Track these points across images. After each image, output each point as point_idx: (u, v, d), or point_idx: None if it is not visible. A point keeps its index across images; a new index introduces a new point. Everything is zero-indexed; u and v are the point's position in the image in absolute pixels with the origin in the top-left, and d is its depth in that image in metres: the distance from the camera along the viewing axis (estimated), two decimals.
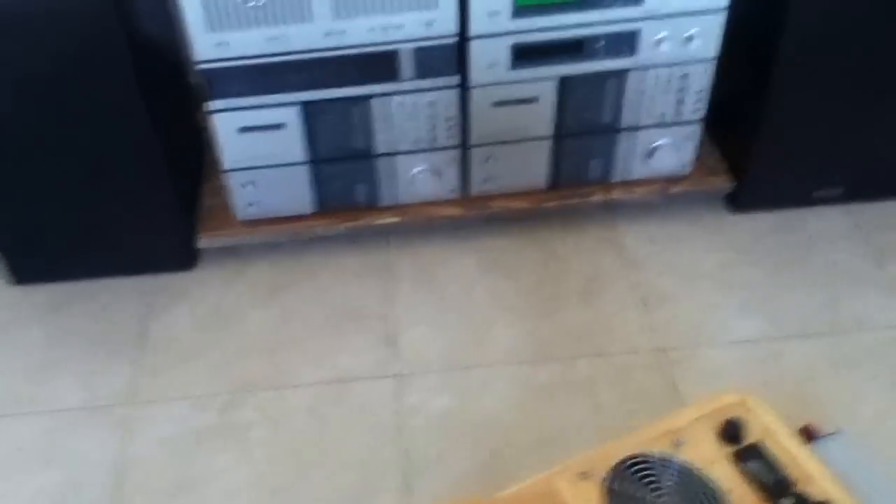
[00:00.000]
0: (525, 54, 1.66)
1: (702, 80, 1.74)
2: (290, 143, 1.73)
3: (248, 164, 1.76)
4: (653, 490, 0.97)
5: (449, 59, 1.65)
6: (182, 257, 1.87)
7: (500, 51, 1.65)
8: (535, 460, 1.51)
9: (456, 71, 1.67)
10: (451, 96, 1.70)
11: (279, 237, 1.86)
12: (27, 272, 1.85)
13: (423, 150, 1.77)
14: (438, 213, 1.85)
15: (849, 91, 1.73)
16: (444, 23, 1.59)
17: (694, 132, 1.83)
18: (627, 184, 1.88)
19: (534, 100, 1.72)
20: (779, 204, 1.94)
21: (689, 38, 1.67)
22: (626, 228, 1.92)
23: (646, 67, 1.70)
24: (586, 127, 1.79)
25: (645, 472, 0.99)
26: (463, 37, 1.62)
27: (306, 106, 1.68)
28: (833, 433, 1.17)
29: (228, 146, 1.73)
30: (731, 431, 1.03)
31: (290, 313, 1.79)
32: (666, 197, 1.90)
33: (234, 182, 1.79)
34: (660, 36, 1.66)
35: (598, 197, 1.87)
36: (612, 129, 1.80)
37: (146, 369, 1.70)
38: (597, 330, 1.72)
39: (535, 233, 1.92)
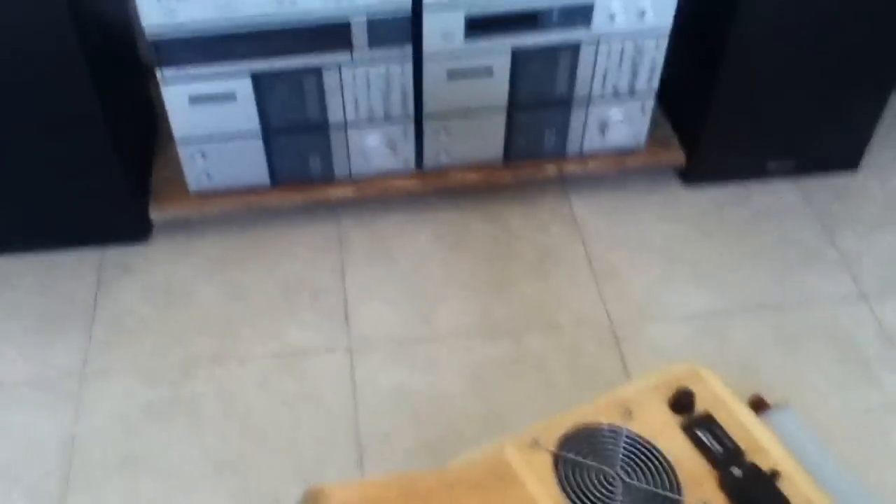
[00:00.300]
0: (479, 25, 1.64)
1: (655, 53, 1.75)
2: (242, 113, 1.70)
3: (200, 134, 1.73)
4: (603, 460, 0.98)
5: (403, 29, 1.63)
6: (134, 229, 1.83)
7: (454, 21, 1.63)
8: (487, 434, 1.52)
9: (410, 41, 1.65)
10: (405, 67, 1.68)
11: (232, 210, 1.84)
12: None
13: (378, 123, 1.76)
14: (393, 186, 1.84)
15: (799, 66, 1.75)
16: None
17: (647, 106, 1.83)
18: (582, 158, 1.89)
19: (488, 71, 1.72)
20: (731, 177, 1.96)
21: (643, 12, 1.67)
22: (579, 202, 1.92)
23: (599, 40, 1.70)
24: (540, 100, 1.79)
25: (595, 442, 0.99)
26: (417, 7, 1.60)
27: (258, 76, 1.65)
28: (781, 405, 1.19)
29: (179, 116, 1.69)
30: (682, 401, 1.04)
31: (242, 287, 1.77)
32: (620, 171, 1.91)
33: (185, 153, 1.76)
34: (613, 9, 1.66)
35: (552, 171, 1.87)
36: (567, 103, 1.80)
37: (96, 343, 1.67)
38: (548, 304, 1.73)
39: (489, 207, 1.92)
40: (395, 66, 1.68)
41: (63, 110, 1.60)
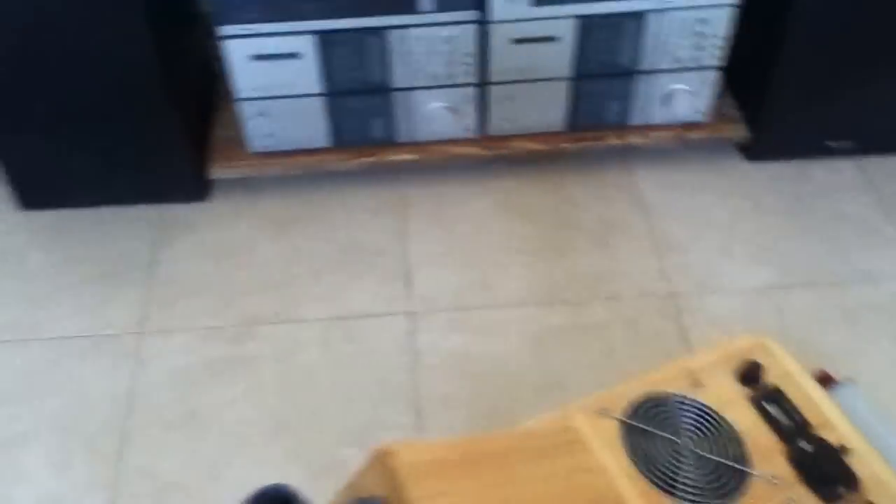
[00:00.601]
0: None
1: (721, 25, 1.71)
2: (305, 73, 1.70)
3: (262, 93, 1.73)
4: (671, 429, 0.97)
5: None
6: (193, 188, 1.85)
7: None
8: (547, 401, 1.52)
9: (476, 5, 1.64)
10: (471, 31, 1.67)
11: (292, 171, 1.84)
12: (35, 197, 1.84)
13: (441, 87, 1.75)
14: (455, 151, 1.83)
15: (861, 45, 1.71)
16: None
17: (711, 79, 1.80)
18: (644, 128, 1.86)
19: (554, 39, 1.69)
20: (792, 154, 1.93)
21: None
22: (641, 174, 1.90)
23: (665, 10, 1.67)
24: (605, 69, 1.77)
25: (662, 411, 0.99)
26: None
27: (322, 36, 1.65)
28: (846, 381, 1.17)
29: (241, 74, 1.70)
30: (750, 373, 1.03)
31: (301, 248, 1.78)
32: (682, 143, 1.89)
33: (246, 112, 1.76)
34: None
35: (614, 141, 1.85)
36: (631, 72, 1.78)
37: (156, 299, 1.70)
38: (609, 274, 1.72)
39: (551, 175, 1.90)
40: (460, 31, 1.66)
41: (123, 67, 1.61)
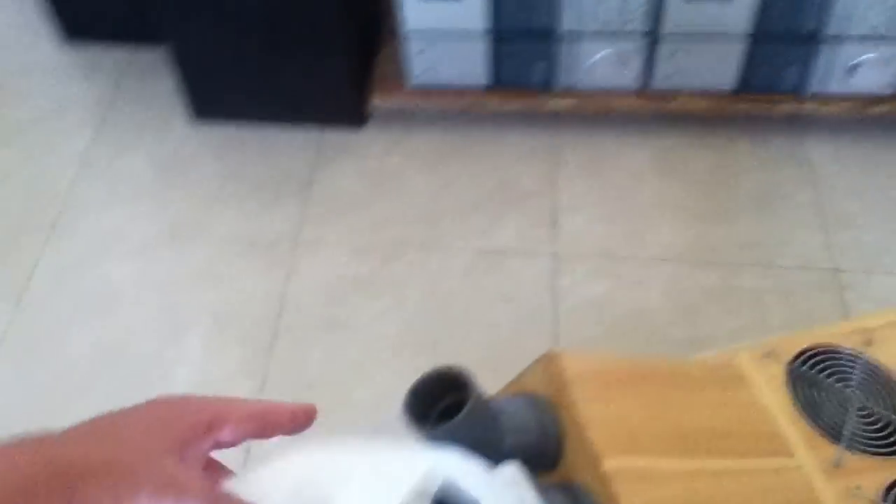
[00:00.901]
0: None
1: None
2: (473, 11, 1.69)
3: (427, 29, 1.73)
4: (838, 382, 0.92)
5: None
6: (353, 116, 1.88)
7: None
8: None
9: None
10: None
11: (448, 108, 1.84)
12: (207, 110, 1.91)
13: (610, 36, 1.70)
14: (616, 103, 1.79)
15: None
16: None
17: None
18: (821, 98, 1.76)
19: None
20: None
21: None
22: (814, 144, 1.80)
23: None
24: (787, 31, 1.68)
25: (832, 363, 0.93)
26: None
27: None
28: None
29: (409, 9, 1.70)
30: None
31: (451, 183, 1.78)
32: (862, 116, 1.77)
33: (411, 47, 1.77)
34: None
35: (787, 107, 1.76)
36: (815, 38, 1.68)
37: (311, 215, 1.74)
38: (768, 242, 1.64)
39: (712, 136, 1.83)
40: None
41: None
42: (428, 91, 1.83)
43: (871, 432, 0.87)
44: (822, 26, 1.66)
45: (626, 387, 0.79)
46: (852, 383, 0.92)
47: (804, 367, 0.92)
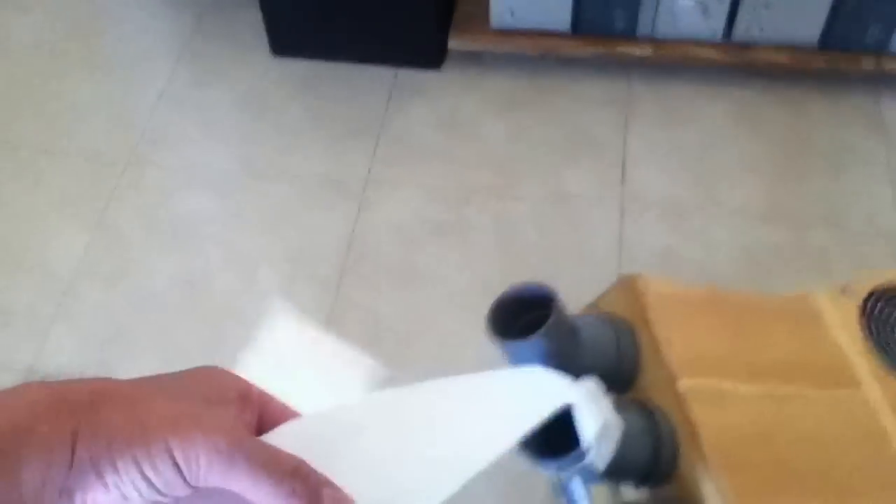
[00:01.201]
0: None
1: None
2: None
3: None
4: None
5: None
6: (431, 56, 1.90)
7: None
8: None
9: None
10: None
11: (527, 51, 1.85)
12: (286, 45, 1.95)
13: None
14: (694, 53, 1.78)
15: None
16: None
17: None
18: None
19: None
20: None
21: None
22: (889, 104, 1.78)
23: None
24: None
25: None
26: None
27: None
28: None
29: None
30: None
31: (525, 129, 1.80)
32: None
33: None
34: None
35: (869, 64, 1.74)
36: None
37: (382, 155, 1.78)
38: (839, 202, 1.64)
39: (790, 92, 1.82)
40: None
41: None
42: (508, 33, 1.85)
43: None
44: None
45: (702, 312, 0.82)
46: None
47: (878, 306, 0.93)
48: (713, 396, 0.77)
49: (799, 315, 0.89)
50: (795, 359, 0.84)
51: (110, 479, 0.36)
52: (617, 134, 1.77)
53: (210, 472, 0.37)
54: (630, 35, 1.80)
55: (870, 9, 1.69)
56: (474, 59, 1.91)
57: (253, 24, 1.94)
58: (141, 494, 0.36)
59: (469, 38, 1.86)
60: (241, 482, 0.37)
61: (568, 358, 0.77)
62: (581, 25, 1.81)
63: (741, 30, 1.76)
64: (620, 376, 0.81)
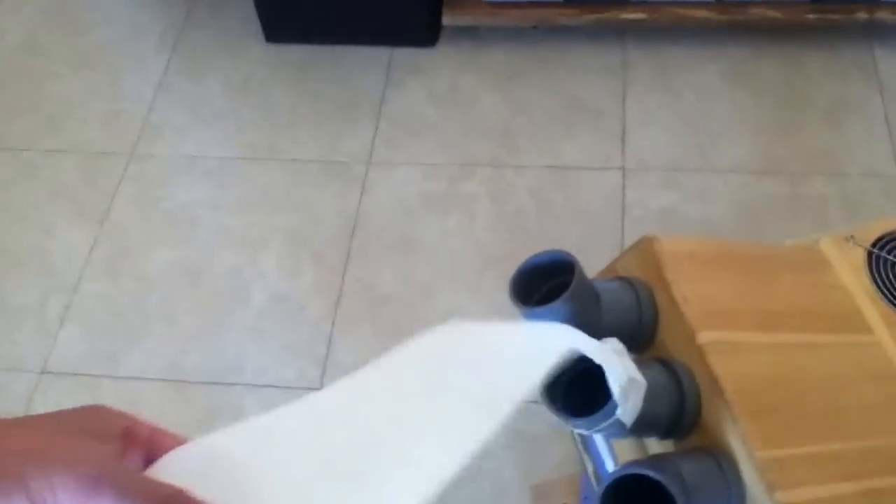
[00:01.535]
0: None
1: None
2: None
3: None
4: None
5: None
6: (425, 34, 1.91)
7: None
8: None
9: None
10: None
11: (521, 22, 1.86)
12: (279, 31, 1.95)
13: None
14: (687, 14, 1.79)
15: None
16: None
17: None
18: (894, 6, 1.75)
19: None
20: None
21: None
22: (883, 54, 1.80)
23: None
24: None
25: None
26: None
27: None
28: None
29: None
30: None
31: (523, 100, 1.82)
32: None
33: None
34: None
35: (861, 15, 1.75)
36: None
37: (383, 134, 1.79)
38: (836, 152, 1.66)
39: (785, 48, 1.83)
40: None
41: None
42: (501, 6, 1.85)
43: None
44: None
45: (717, 267, 0.84)
46: None
47: (884, 251, 0.96)
48: (732, 348, 0.79)
49: (809, 264, 0.91)
50: (808, 307, 0.86)
51: None
52: (615, 100, 1.79)
53: (74, 502, 0.37)
54: (623, 0, 1.81)
55: None
56: (469, 33, 1.92)
57: (244, 12, 1.95)
58: None
59: (462, 13, 1.87)
60: None
61: (590, 322, 0.80)
62: None
63: None
64: (641, 337, 0.83)
